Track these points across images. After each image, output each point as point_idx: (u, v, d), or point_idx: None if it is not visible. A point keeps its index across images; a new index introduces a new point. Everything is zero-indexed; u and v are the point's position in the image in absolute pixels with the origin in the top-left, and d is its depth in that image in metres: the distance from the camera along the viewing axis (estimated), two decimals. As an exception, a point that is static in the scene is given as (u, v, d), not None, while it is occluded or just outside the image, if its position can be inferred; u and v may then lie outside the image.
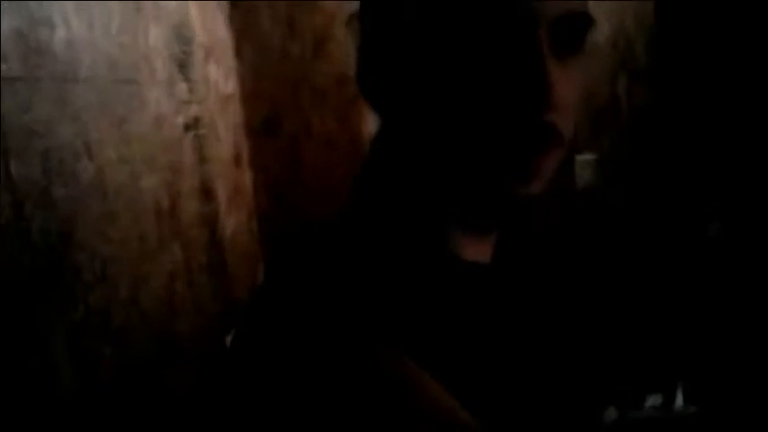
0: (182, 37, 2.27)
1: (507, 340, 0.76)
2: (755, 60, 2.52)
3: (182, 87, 2.23)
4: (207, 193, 2.32)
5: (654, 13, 2.52)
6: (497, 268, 0.79)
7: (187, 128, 2.24)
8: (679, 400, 2.22)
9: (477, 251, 0.76)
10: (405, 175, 0.74)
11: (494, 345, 0.73)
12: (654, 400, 2.23)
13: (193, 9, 2.39)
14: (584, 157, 2.66)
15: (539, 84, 0.64)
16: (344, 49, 2.59)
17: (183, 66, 2.25)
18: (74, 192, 1.67)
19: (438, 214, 0.73)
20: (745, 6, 2.51)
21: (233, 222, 2.51)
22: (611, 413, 2.13)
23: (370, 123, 2.59)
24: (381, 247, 0.71)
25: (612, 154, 2.69)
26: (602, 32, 2.53)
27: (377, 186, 0.76)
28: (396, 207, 0.74)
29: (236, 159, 2.61)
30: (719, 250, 2.54)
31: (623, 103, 2.62)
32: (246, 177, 2.69)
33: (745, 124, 2.55)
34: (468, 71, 0.66)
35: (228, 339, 1.26)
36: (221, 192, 2.44)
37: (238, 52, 2.72)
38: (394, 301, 0.66)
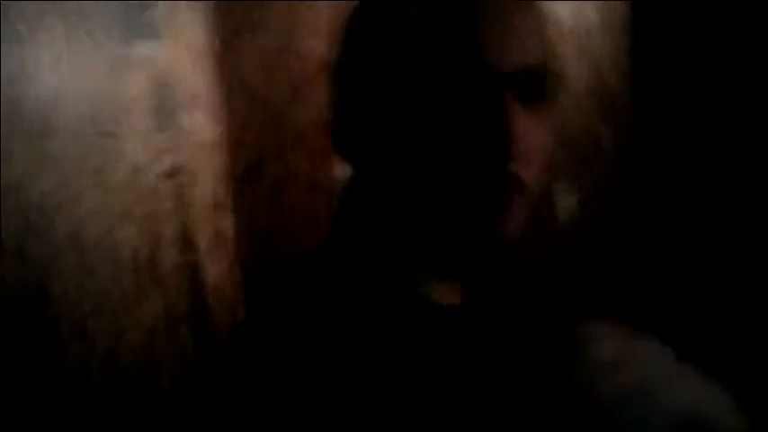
0: (164, 85, 2.27)
1: (476, 385, 0.76)
2: (734, 103, 2.54)
3: (162, 136, 2.23)
4: (187, 241, 2.31)
5: (631, 56, 2.55)
6: (469, 311, 0.80)
7: (167, 176, 2.23)
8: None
9: (448, 294, 0.77)
10: (375, 221, 0.76)
11: (462, 389, 0.74)
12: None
13: (176, 57, 2.40)
14: (564, 198, 2.67)
15: (501, 135, 0.66)
16: (324, 93, 2.60)
17: (163, 114, 2.25)
18: (50, 246, 1.65)
19: (409, 257, 0.75)
20: (723, 51, 2.54)
21: (214, 271, 2.49)
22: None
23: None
24: (352, 291, 0.73)
25: (595, 194, 2.70)
26: (580, 76, 2.55)
27: (349, 230, 0.78)
28: (366, 252, 0.76)
29: (218, 206, 2.60)
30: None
31: (605, 145, 2.64)
32: (228, 224, 2.67)
33: (727, 166, 2.56)
34: (432, 124, 0.69)
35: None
36: (202, 240, 2.42)
37: (220, 99, 2.72)
38: (363, 346, 0.68)
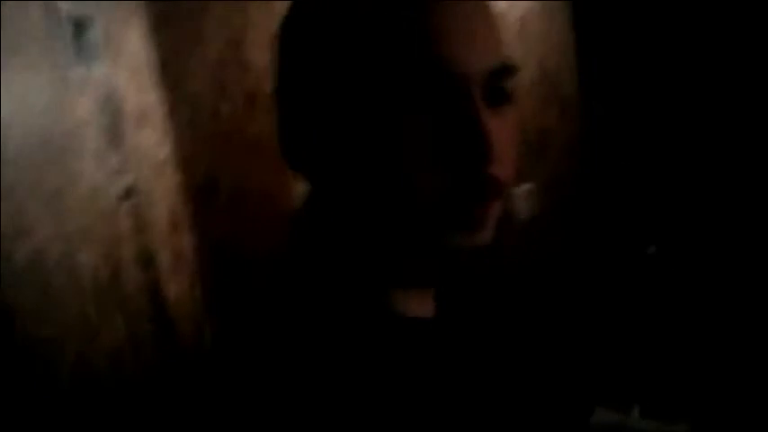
0: (111, 106, 2.25)
1: (452, 398, 0.74)
2: (677, 87, 2.60)
3: (115, 157, 2.20)
4: (147, 261, 2.28)
5: (575, 47, 2.59)
6: (440, 322, 0.79)
7: (122, 197, 2.20)
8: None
9: (419, 306, 0.76)
10: (341, 235, 0.74)
11: (438, 403, 0.72)
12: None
13: (121, 76, 2.37)
14: (522, 189, 2.70)
15: (478, 139, 0.65)
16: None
17: (114, 135, 2.23)
18: (12, 274, 1.62)
19: (376, 272, 0.73)
20: (663, 42, 2.60)
21: (175, 288, 2.47)
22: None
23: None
24: (320, 309, 0.71)
25: (549, 183, 2.74)
26: (528, 70, 2.59)
27: (313, 245, 0.76)
28: (333, 267, 0.74)
29: (175, 224, 2.57)
30: (658, 268, 2.60)
31: (555, 135, 2.68)
32: (186, 241, 2.65)
33: (674, 149, 2.62)
34: (401, 130, 0.67)
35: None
36: (162, 259, 2.39)
37: (170, 116, 2.69)
38: (334, 365, 0.66)
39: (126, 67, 2.43)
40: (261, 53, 2.61)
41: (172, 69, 2.79)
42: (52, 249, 1.79)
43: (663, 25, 2.60)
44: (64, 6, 2.03)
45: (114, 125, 2.21)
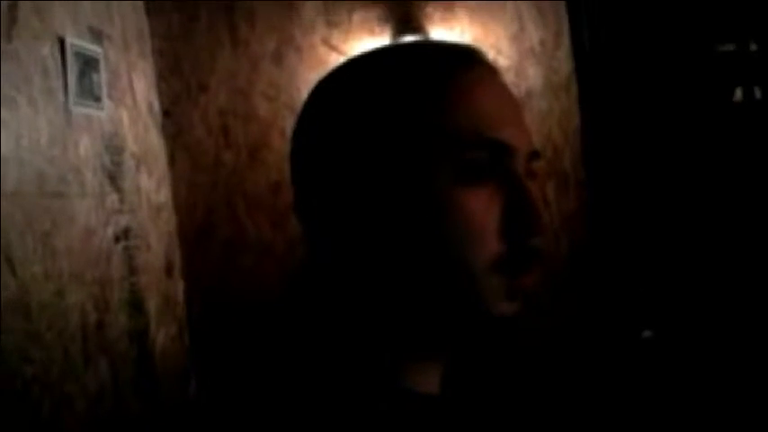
0: (112, 147, 2.24)
1: None
2: (680, 168, 2.61)
3: (112, 198, 2.19)
4: (136, 305, 2.25)
5: (580, 122, 2.60)
6: (446, 400, 0.76)
7: (117, 239, 2.18)
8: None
9: (426, 381, 0.72)
10: (355, 301, 0.71)
11: None
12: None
13: (125, 118, 2.37)
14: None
15: (528, 210, 0.67)
16: (279, 157, 2.59)
17: (113, 176, 2.21)
18: (-5, 311, 1.59)
19: (388, 342, 0.70)
20: (665, 115, 2.62)
21: (163, 335, 2.43)
22: None
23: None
24: (322, 376, 0.68)
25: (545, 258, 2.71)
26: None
27: (323, 308, 0.73)
28: (343, 332, 0.71)
29: (168, 269, 2.55)
30: (653, 352, 2.58)
31: (553, 208, 2.67)
32: (178, 287, 2.62)
33: (673, 231, 2.62)
34: (453, 203, 0.67)
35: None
36: (151, 304, 2.36)
37: (171, 161, 2.69)
38: None
39: (130, 109, 2.43)
40: (266, 105, 2.62)
41: (175, 115, 2.81)
42: (41, 288, 1.76)
43: (668, 105, 2.63)
44: (73, 44, 2.03)
45: (115, 167, 2.21)
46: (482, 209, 0.66)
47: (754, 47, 2.60)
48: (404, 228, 0.68)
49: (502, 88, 0.70)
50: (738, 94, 2.63)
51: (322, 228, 0.73)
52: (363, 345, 0.70)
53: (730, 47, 2.63)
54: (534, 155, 0.70)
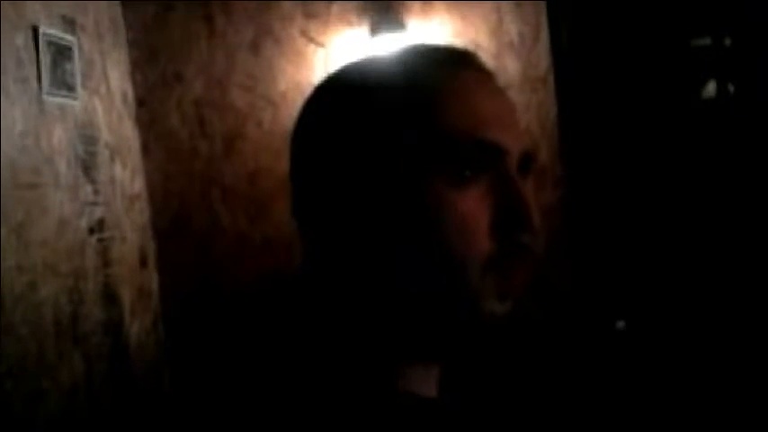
0: (86, 137, 2.21)
1: None
2: (652, 159, 2.63)
3: (86, 189, 2.16)
4: (110, 298, 2.22)
5: (557, 117, 2.61)
6: (442, 403, 0.75)
7: (91, 231, 2.15)
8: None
9: (422, 383, 0.72)
10: (352, 302, 0.71)
11: None
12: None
13: (99, 108, 2.34)
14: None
15: (520, 208, 0.67)
16: (255, 148, 2.57)
17: (87, 167, 2.18)
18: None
19: (384, 344, 0.70)
20: (641, 109, 2.64)
21: (138, 327, 2.41)
22: None
23: (285, 221, 2.56)
24: (316, 376, 0.67)
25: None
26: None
27: (321, 307, 0.72)
28: (339, 333, 0.70)
29: (143, 261, 2.52)
30: (626, 343, 2.60)
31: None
32: (153, 279, 2.59)
33: (649, 223, 2.64)
34: (446, 202, 0.67)
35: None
36: (126, 296, 2.34)
37: (145, 151, 2.66)
38: None
39: (104, 99, 2.40)
40: (243, 96, 2.59)
41: (150, 105, 2.77)
42: (14, 281, 1.73)
43: (644, 99, 2.65)
44: (46, 33, 2.00)
45: (88, 156, 2.17)
46: (473, 209, 0.67)
47: (728, 42, 2.63)
48: (396, 228, 0.68)
49: (496, 90, 0.71)
50: (712, 88, 2.65)
51: (317, 227, 0.73)
52: (360, 346, 0.70)
53: (706, 41, 2.65)
54: (527, 156, 0.71)
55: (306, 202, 0.72)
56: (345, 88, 0.71)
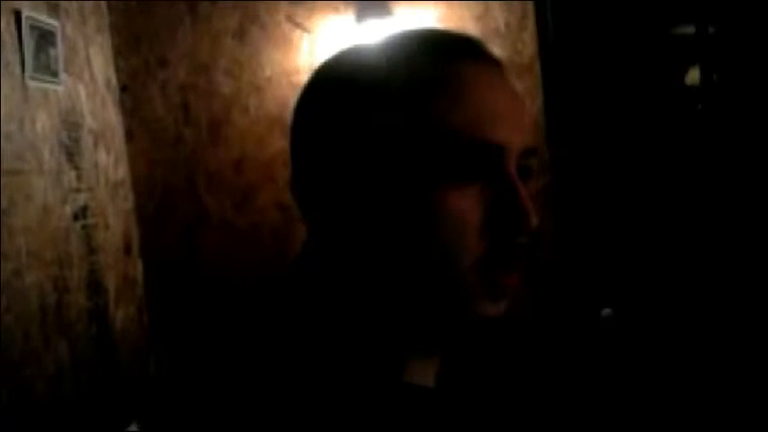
0: (70, 123, 2.19)
1: None
2: (638, 147, 2.64)
3: (70, 175, 2.14)
4: (95, 285, 2.21)
5: (543, 104, 2.61)
6: (441, 393, 0.75)
7: (75, 217, 2.14)
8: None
9: (421, 374, 0.72)
10: (353, 294, 0.70)
11: None
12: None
13: (82, 94, 2.32)
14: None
15: (518, 209, 0.66)
16: (241, 134, 2.56)
17: (71, 153, 2.17)
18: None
19: (383, 335, 0.70)
20: (626, 97, 2.64)
21: (122, 315, 2.40)
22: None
23: (270, 208, 2.55)
24: (314, 363, 0.67)
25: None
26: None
27: (320, 298, 0.71)
28: (338, 324, 0.70)
29: (127, 248, 2.51)
30: (612, 330, 2.62)
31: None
32: (137, 267, 2.58)
33: (634, 211, 2.65)
34: (443, 199, 0.66)
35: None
36: (110, 283, 2.32)
37: (129, 137, 2.64)
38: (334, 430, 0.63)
39: (87, 84, 2.38)
40: (229, 81, 2.58)
41: (134, 91, 2.75)
42: (-1, 268, 1.72)
43: (629, 87, 2.65)
44: (29, 17, 1.98)
45: (72, 142, 2.16)
46: (467, 208, 0.66)
47: (712, 30, 2.64)
48: (391, 222, 0.67)
49: (498, 83, 0.69)
50: (696, 75, 2.66)
51: (316, 221, 0.72)
52: (360, 334, 0.70)
53: (689, 30, 2.66)
54: (529, 151, 0.69)
55: (304, 180, 0.71)
56: (350, 70, 0.69)
